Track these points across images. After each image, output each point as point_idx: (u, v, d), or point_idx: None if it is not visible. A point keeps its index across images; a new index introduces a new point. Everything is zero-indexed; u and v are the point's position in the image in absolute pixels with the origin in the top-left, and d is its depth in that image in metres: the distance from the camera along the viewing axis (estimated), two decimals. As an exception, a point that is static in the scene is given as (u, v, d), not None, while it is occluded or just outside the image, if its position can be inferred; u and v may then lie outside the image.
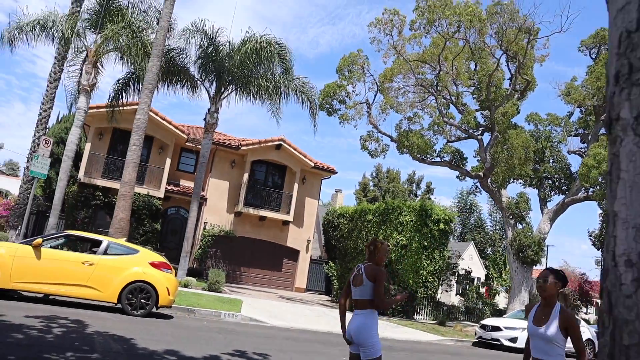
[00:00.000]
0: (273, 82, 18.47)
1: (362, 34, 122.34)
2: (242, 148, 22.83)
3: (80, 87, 16.19)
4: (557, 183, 22.58)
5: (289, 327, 12.14)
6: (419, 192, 45.48)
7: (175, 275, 14.90)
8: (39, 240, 9.30)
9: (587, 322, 20.17)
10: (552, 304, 3.75)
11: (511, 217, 20.16)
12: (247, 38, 17.98)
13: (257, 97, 19.11)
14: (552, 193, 22.68)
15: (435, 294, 20.30)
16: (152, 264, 9.87)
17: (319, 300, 21.34)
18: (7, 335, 6.27)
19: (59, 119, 25.77)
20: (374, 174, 45.28)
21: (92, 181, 20.39)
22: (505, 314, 18.60)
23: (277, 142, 23.28)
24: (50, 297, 10.16)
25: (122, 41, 15.57)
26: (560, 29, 17.96)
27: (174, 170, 23.41)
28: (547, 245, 31.83)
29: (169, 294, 9.75)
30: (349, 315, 4.31)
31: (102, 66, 16.48)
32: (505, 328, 14.01)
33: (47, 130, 18.81)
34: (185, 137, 22.33)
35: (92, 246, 10.23)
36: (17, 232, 16.61)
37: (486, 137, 20.36)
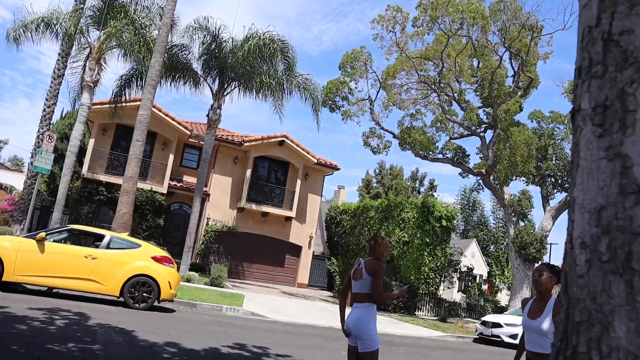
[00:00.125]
0: (276, 79, 18.52)
1: (365, 30, 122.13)
2: (245, 144, 22.90)
3: (84, 83, 16.29)
4: (559, 180, 22.55)
5: (290, 321, 12.22)
6: (422, 189, 45.47)
7: (178, 270, 15.01)
8: (43, 234, 9.41)
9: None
10: (547, 298, 3.80)
11: (513, 214, 20.17)
12: (249, 35, 18.03)
13: (260, 94, 19.17)
14: (555, 190, 22.66)
15: (436, 290, 20.34)
16: (154, 258, 9.96)
17: (321, 296, 21.42)
18: (11, 327, 6.37)
19: (63, 115, 25.91)
20: (377, 170, 45.30)
21: (95, 177, 20.51)
22: (506, 311, 18.63)
23: (279, 139, 23.34)
24: (54, 291, 10.27)
25: (125, 38, 15.65)
26: (563, 27, 17.94)
27: (177, 166, 23.50)
28: (549, 243, 31.79)
29: (170, 288, 9.84)
30: (349, 309, 4.38)
31: (105, 63, 16.60)
32: (506, 325, 14.05)
33: (51, 126, 18.93)
34: (189, 133, 22.42)
35: (94, 240, 10.32)
36: (22, 226, 16.76)
37: (489, 135, 20.37)
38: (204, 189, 21.17)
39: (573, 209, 0.90)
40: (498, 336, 13.98)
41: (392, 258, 19.37)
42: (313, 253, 25.52)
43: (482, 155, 21.00)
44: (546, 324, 3.68)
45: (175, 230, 22.82)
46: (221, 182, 23.30)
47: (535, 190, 49.82)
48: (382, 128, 19.75)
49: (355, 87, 19.50)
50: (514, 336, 13.67)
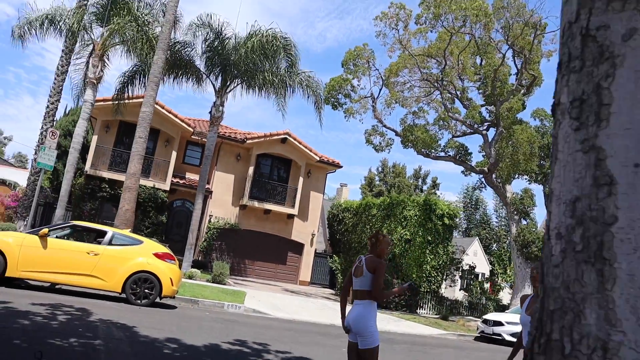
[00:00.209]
0: (278, 76, 18.53)
1: (369, 28, 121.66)
2: (248, 141, 22.94)
3: (87, 80, 16.35)
4: (562, 179, 22.46)
5: (291, 319, 12.26)
6: (424, 187, 45.43)
7: (180, 267, 15.06)
8: (45, 230, 9.47)
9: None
10: (544, 295, 3.81)
11: (515, 212, 20.15)
12: (252, 32, 18.05)
13: (263, 91, 19.19)
14: (558, 189, 22.57)
15: (438, 288, 20.36)
16: (156, 255, 10.01)
17: (323, 294, 21.47)
18: (14, 321, 6.43)
19: (67, 112, 26.01)
20: (380, 168, 45.27)
21: (98, 173, 20.59)
22: (508, 309, 18.63)
23: (282, 136, 23.36)
24: (57, 287, 10.34)
25: (127, 35, 15.69)
26: (567, 24, 17.79)
27: (180, 163, 23.56)
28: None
29: (172, 285, 9.88)
30: (349, 306, 4.42)
31: (109, 59, 16.64)
32: (507, 323, 14.06)
33: (54, 122, 19.02)
34: (191, 130, 22.46)
35: (97, 236, 10.38)
36: (25, 223, 16.85)
37: (491, 133, 20.32)
38: (207, 186, 21.21)
39: (551, 201, 0.91)
40: (499, 334, 13.99)
41: (394, 256, 19.39)
42: (315, 251, 25.56)
43: (484, 154, 20.97)
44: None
45: (177, 227, 22.89)
46: (224, 179, 23.35)
47: (537, 189, 49.66)
48: (385, 126, 19.75)
49: (358, 85, 19.52)
50: (515, 334, 13.67)
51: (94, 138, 20.97)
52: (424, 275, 19.26)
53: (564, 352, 0.78)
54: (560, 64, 0.98)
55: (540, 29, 17.52)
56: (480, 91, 20.53)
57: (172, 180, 22.02)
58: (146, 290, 9.67)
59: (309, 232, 24.86)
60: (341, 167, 25.51)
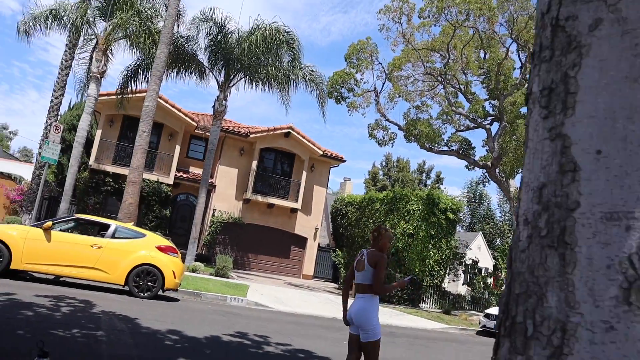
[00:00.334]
0: (281, 71, 18.52)
1: (374, 22, 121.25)
2: (251, 136, 22.97)
3: (90, 74, 16.41)
4: (566, 174, 22.38)
5: (293, 312, 12.33)
6: (428, 182, 45.37)
7: (184, 261, 15.14)
8: (49, 223, 9.55)
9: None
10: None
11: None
12: (255, 26, 18.03)
13: (266, 85, 19.19)
14: (561, 184, 22.49)
15: (441, 283, 20.37)
16: (159, 248, 10.08)
17: (326, 288, 21.54)
18: (17, 312, 6.52)
19: (71, 106, 26.10)
20: (384, 163, 45.23)
21: (102, 167, 20.70)
22: (510, 303, 18.60)
23: (285, 130, 23.37)
24: (61, 279, 10.44)
25: (130, 29, 15.71)
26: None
27: (184, 157, 23.64)
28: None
29: (174, 277, 9.96)
30: (351, 300, 4.47)
31: (112, 54, 16.68)
32: (509, 317, 14.08)
33: (58, 117, 19.11)
34: (195, 124, 22.51)
35: (100, 230, 10.47)
36: (30, 216, 16.99)
37: (495, 127, 20.26)
38: (210, 180, 21.29)
39: (521, 188, 0.93)
40: (501, 328, 14.01)
41: (397, 250, 19.41)
42: (318, 245, 25.62)
43: (488, 148, 20.90)
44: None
45: (181, 221, 23.00)
46: (227, 173, 23.42)
47: (543, 184, 49.41)
48: (388, 120, 19.72)
49: (361, 79, 19.48)
50: (517, 328, 13.67)
51: (98, 132, 21.06)
52: (427, 269, 19.28)
53: (526, 334, 0.80)
54: (533, 54, 1.00)
55: (545, 22, 17.35)
56: (484, 85, 20.46)
57: (175, 175, 22.10)
58: (149, 283, 9.75)
59: (312, 226, 24.91)
60: (344, 161, 25.52)
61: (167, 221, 21.77)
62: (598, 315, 0.73)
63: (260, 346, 6.97)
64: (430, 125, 18.77)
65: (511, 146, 18.41)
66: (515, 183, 20.95)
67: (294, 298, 15.04)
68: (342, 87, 19.17)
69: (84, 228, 11.24)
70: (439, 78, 18.89)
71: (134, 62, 17.67)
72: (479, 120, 19.93)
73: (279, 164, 24.65)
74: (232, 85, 19.23)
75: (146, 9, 16.50)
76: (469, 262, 26.09)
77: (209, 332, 7.30)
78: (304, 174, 23.88)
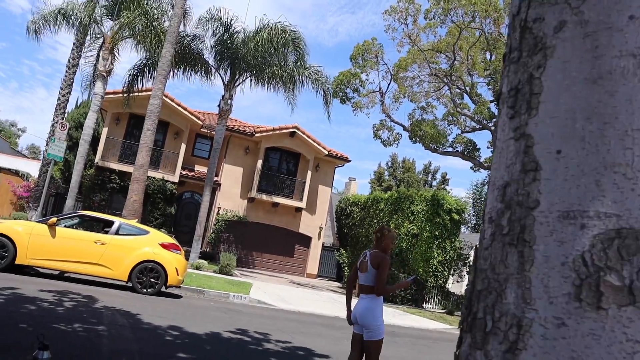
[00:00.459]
0: (287, 70, 18.57)
1: (381, 22, 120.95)
2: (256, 135, 23.03)
3: (97, 72, 16.54)
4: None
5: (296, 310, 12.35)
6: (434, 183, 45.26)
7: (188, 258, 15.20)
8: (54, 219, 9.65)
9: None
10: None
11: (524, 209, 19.98)
12: (262, 25, 18.09)
13: (272, 85, 19.25)
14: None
15: (445, 283, 20.33)
16: (162, 245, 10.15)
17: (329, 287, 21.57)
18: (21, 306, 6.59)
19: (78, 104, 26.31)
20: (389, 163, 45.17)
21: (108, 165, 20.84)
22: (514, 305, 18.54)
23: (291, 130, 23.41)
24: (65, 275, 10.54)
25: (137, 28, 15.82)
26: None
27: (189, 156, 23.75)
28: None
29: (177, 274, 10.02)
30: (355, 300, 4.51)
31: (119, 52, 16.79)
32: (512, 319, 14.03)
33: (65, 114, 19.27)
34: (200, 123, 22.61)
35: (104, 226, 10.55)
36: (37, 212, 17.15)
37: (501, 128, 20.10)
38: (215, 178, 21.37)
39: (488, 187, 0.95)
40: (504, 330, 13.96)
41: (401, 250, 19.40)
42: (323, 244, 25.65)
43: (493, 150, 20.80)
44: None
45: (186, 219, 23.11)
46: (232, 172, 23.50)
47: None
48: (393, 120, 19.70)
49: (366, 79, 19.49)
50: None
51: (104, 130, 21.20)
52: (431, 270, 19.25)
53: (485, 329, 0.82)
54: (504, 55, 1.02)
55: (552, 23, 17.27)
56: (490, 87, 20.37)
57: (181, 173, 22.21)
58: (152, 280, 9.82)
59: (316, 226, 24.95)
60: (349, 161, 25.52)
61: (172, 219, 21.89)
62: (551, 312, 0.74)
63: (260, 343, 7.01)
64: (435, 127, 18.74)
65: (517, 147, 18.29)
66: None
67: (296, 296, 15.07)
68: (347, 87, 19.18)
69: (88, 224, 11.34)
70: (445, 79, 18.85)
71: (140, 61, 17.79)
72: (485, 121, 19.86)
73: (284, 163, 24.71)
74: (238, 85, 19.31)
75: (152, 9, 16.61)
76: (473, 263, 26.02)
77: (209, 328, 7.35)
78: (309, 173, 23.92)
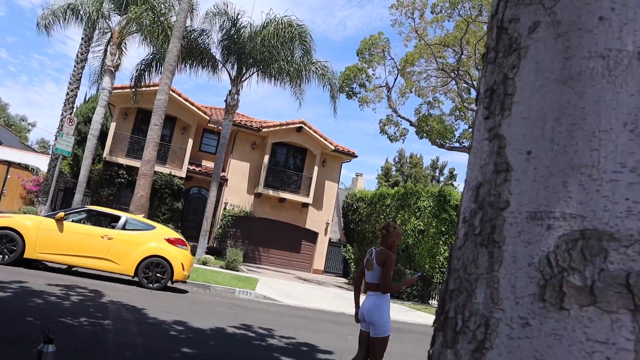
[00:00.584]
0: (294, 65, 18.56)
1: (389, 16, 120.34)
2: (263, 130, 23.07)
3: (105, 67, 16.64)
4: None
5: (301, 306, 12.40)
6: (441, 178, 45.07)
7: (195, 254, 15.29)
8: (61, 214, 9.76)
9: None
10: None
11: (532, 205, 19.87)
12: (268, 20, 18.08)
13: (278, 80, 19.26)
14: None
15: (451, 279, 20.28)
16: (168, 240, 10.23)
17: (336, 282, 21.61)
18: (28, 300, 6.69)
19: (86, 99, 26.49)
20: (397, 158, 45.05)
21: (116, 159, 20.99)
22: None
23: (297, 125, 23.42)
24: (73, 269, 10.66)
25: (144, 23, 15.88)
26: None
27: (196, 151, 23.85)
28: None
29: (183, 269, 10.10)
30: (363, 297, 4.54)
31: (126, 47, 16.86)
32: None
33: (74, 109, 19.42)
34: (208, 118, 22.68)
35: (111, 221, 10.64)
36: (46, 207, 17.34)
37: (509, 123, 19.97)
38: (222, 174, 21.45)
39: (464, 187, 0.96)
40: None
41: (407, 246, 19.37)
42: (329, 240, 25.68)
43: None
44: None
45: (193, 214, 23.25)
46: (239, 167, 23.57)
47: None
48: (399, 115, 19.64)
49: (373, 74, 19.41)
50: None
51: (113, 125, 21.34)
52: (437, 266, 19.21)
53: (456, 328, 0.83)
54: (483, 56, 1.02)
55: (561, 17, 17.09)
56: (498, 81, 20.18)
57: (188, 168, 22.32)
58: (158, 275, 9.91)
59: (323, 221, 24.98)
60: (356, 156, 25.49)
61: (179, 214, 22.02)
62: (517, 312, 0.75)
63: (264, 339, 7.05)
64: (442, 122, 18.65)
65: (524, 143, 18.18)
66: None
67: (302, 292, 15.12)
68: (353, 82, 19.14)
69: (95, 219, 11.45)
70: (452, 74, 18.73)
71: (148, 56, 17.86)
72: (492, 116, 19.70)
73: (290, 159, 24.74)
74: (245, 80, 19.34)
75: (160, 3, 16.65)
76: (480, 259, 25.90)
77: (214, 323, 7.41)
78: (316, 168, 23.93)
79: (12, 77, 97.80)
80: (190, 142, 22.45)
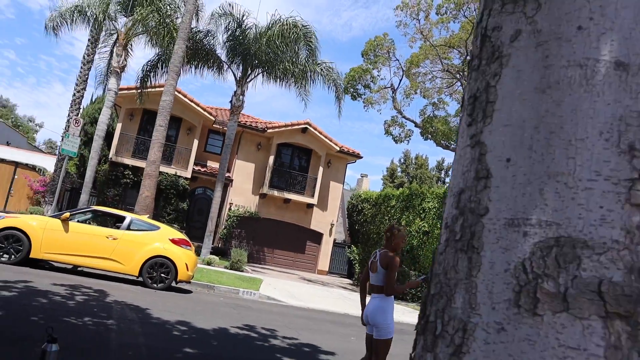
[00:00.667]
0: (299, 66, 18.59)
1: (395, 18, 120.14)
2: (268, 131, 23.12)
3: (111, 68, 16.75)
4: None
5: (305, 307, 12.41)
6: (447, 180, 44.95)
7: (199, 254, 15.33)
8: (67, 214, 9.83)
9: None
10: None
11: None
12: (273, 21, 18.13)
13: (283, 81, 19.29)
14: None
15: (456, 281, 20.21)
16: (172, 241, 10.28)
17: (340, 283, 21.61)
18: (34, 299, 6.75)
19: (93, 100, 26.67)
20: (402, 160, 44.99)
21: (122, 160, 21.11)
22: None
23: (302, 126, 23.45)
24: (78, 269, 10.74)
25: (150, 24, 15.98)
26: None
27: (202, 152, 23.94)
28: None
29: (187, 270, 10.14)
30: (369, 298, 4.56)
31: (132, 49, 16.97)
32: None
33: (80, 110, 19.55)
34: (213, 119, 22.76)
35: (116, 221, 10.71)
36: (52, 207, 17.47)
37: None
38: (227, 174, 21.51)
39: (448, 194, 0.97)
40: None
41: (412, 248, 19.34)
42: (334, 240, 25.69)
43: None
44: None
45: (198, 214, 23.33)
46: (244, 168, 23.63)
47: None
48: (404, 117, 19.62)
49: (378, 75, 19.41)
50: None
51: (119, 126, 21.46)
52: (442, 267, 19.16)
53: (435, 332, 0.84)
54: (468, 63, 1.03)
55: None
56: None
57: (193, 168, 22.41)
58: (162, 275, 9.96)
59: (328, 222, 24.99)
60: (361, 157, 25.47)
61: (184, 214, 22.11)
62: (493, 317, 0.76)
63: (267, 339, 7.08)
64: (447, 123, 18.61)
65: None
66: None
67: (306, 293, 15.13)
68: (358, 83, 19.14)
69: (100, 219, 11.53)
70: (457, 75, 18.69)
71: (154, 57, 17.97)
72: (498, 117, 19.65)
73: (295, 159, 24.77)
74: (250, 81, 19.39)
75: (165, 5, 16.75)
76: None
77: (217, 324, 7.44)
78: (321, 169, 23.95)
79: (20, 79, 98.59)
80: (196, 142, 22.54)
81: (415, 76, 19.42)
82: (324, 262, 24.86)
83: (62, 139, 18.85)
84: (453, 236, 0.88)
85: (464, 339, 0.78)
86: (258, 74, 19.49)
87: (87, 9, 17.35)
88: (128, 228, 10.10)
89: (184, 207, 21.95)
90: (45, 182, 20.51)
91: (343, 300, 15.25)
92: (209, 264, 16.39)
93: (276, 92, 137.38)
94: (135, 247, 9.90)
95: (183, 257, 10.16)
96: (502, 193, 0.81)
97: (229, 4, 18.63)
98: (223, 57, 19.26)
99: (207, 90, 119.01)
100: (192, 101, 22.13)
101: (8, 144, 28.48)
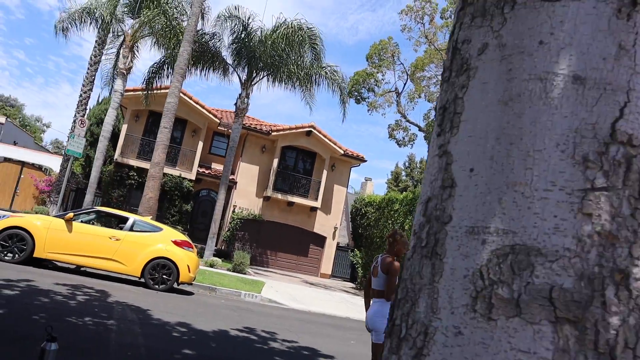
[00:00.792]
0: (304, 69, 18.65)
1: (400, 22, 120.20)
2: (273, 133, 23.19)
3: (117, 70, 16.88)
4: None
5: (307, 310, 12.42)
6: (452, 184, 44.90)
7: (202, 256, 15.38)
8: (71, 214, 9.92)
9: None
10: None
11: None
12: (279, 24, 18.21)
13: (288, 84, 19.36)
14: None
15: (459, 286, 20.16)
16: (175, 242, 10.34)
17: (343, 287, 21.60)
18: (35, 299, 6.81)
19: (99, 101, 26.86)
20: (407, 163, 44.95)
21: (127, 161, 21.23)
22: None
23: (307, 129, 23.50)
24: (81, 269, 10.82)
25: (156, 27, 16.11)
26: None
27: (206, 154, 24.04)
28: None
29: (189, 271, 10.19)
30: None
31: (138, 50, 17.11)
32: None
33: (87, 111, 19.71)
34: (218, 121, 22.86)
35: (119, 222, 10.79)
36: (57, 207, 17.60)
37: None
38: (231, 177, 21.58)
39: (418, 202, 1.00)
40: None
41: (415, 252, 19.33)
42: (337, 244, 25.68)
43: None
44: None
45: (202, 216, 23.40)
46: (248, 170, 23.70)
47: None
48: (408, 121, 19.63)
49: (382, 79, 19.44)
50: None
51: (124, 127, 21.59)
52: (444, 272, 19.13)
53: (400, 335, 0.87)
54: (442, 74, 1.06)
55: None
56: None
57: (198, 170, 22.50)
58: (164, 276, 10.01)
59: (331, 225, 25.00)
60: (365, 161, 25.49)
61: (188, 216, 22.19)
62: (452, 321, 0.79)
63: (266, 342, 7.10)
64: (451, 127, 18.58)
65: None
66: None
67: (308, 296, 15.14)
68: (362, 87, 19.18)
69: (103, 220, 11.62)
70: (462, 79, 18.67)
71: (160, 59, 18.09)
72: (502, 122, 19.63)
73: (300, 163, 24.81)
74: (255, 84, 19.48)
75: (172, 8, 16.89)
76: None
77: (218, 326, 7.48)
78: (325, 173, 23.98)
79: (29, 78, 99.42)
80: (200, 144, 22.64)
81: (419, 80, 19.43)
82: (326, 265, 24.86)
83: (68, 139, 19.03)
84: (420, 243, 0.90)
85: (425, 342, 0.81)
86: (263, 77, 19.58)
87: (95, 10, 17.53)
88: (131, 229, 10.17)
89: (188, 208, 22.04)
90: (51, 182, 20.67)
91: (345, 304, 15.25)
92: (211, 266, 16.44)
93: (281, 94, 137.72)
94: (138, 248, 9.96)
95: (185, 259, 10.21)
96: (465, 202, 0.84)
97: (235, 7, 18.75)
98: (228, 60, 19.38)
99: (212, 92, 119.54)
100: (197, 103, 22.24)
101: (15, 143, 28.73)
